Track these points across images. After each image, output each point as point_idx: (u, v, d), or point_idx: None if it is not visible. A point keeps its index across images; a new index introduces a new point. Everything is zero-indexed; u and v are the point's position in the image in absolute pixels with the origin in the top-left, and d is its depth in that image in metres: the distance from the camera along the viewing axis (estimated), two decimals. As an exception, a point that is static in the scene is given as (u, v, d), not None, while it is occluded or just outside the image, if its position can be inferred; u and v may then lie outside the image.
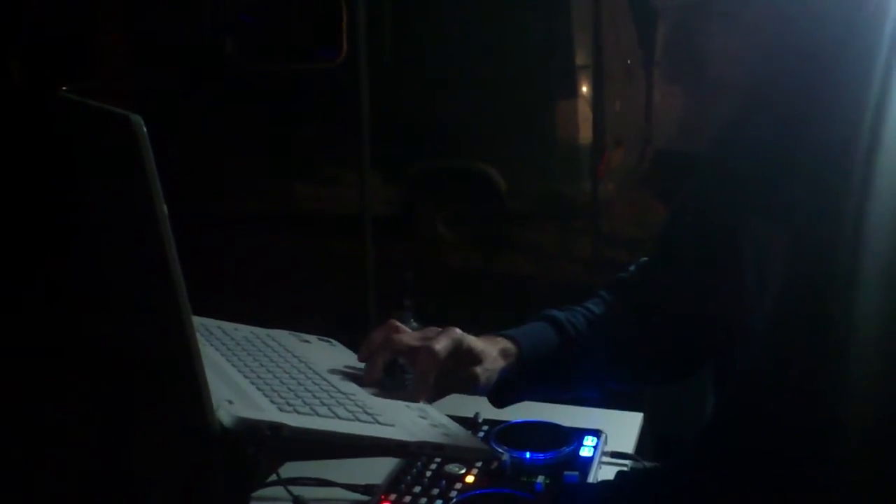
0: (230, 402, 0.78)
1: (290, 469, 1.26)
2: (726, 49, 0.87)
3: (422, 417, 0.97)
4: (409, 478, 1.24)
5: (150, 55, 5.94)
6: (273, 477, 1.23)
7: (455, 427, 0.99)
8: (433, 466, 1.26)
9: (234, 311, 1.27)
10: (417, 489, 1.21)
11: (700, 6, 0.88)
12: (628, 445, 1.39)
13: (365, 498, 1.22)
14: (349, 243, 3.18)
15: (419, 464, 1.26)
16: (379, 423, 0.88)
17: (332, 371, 1.06)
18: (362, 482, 1.24)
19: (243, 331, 1.17)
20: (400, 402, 1.01)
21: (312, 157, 5.88)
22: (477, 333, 1.15)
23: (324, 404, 0.89)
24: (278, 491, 1.21)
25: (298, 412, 0.84)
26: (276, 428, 0.77)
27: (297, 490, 1.22)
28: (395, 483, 1.23)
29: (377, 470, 1.26)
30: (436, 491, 1.21)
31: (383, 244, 2.84)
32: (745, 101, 0.91)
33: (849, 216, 0.75)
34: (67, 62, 5.78)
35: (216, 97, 5.88)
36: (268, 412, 0.81)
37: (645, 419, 1.49)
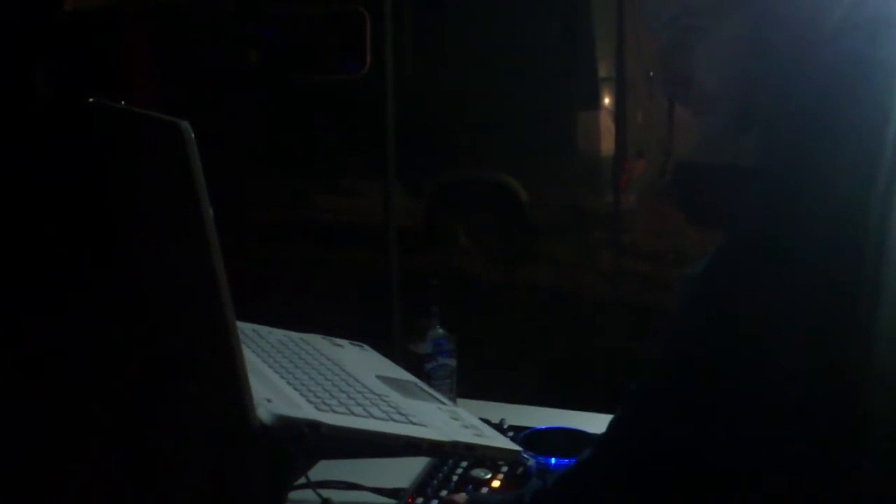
0: (269, 400, 0.81)
1: (318, 472, 1.28)
2: (708, 63, 0.89)
3: (454, 419, 0.99)
4: (435, 482, 1.25)
5: (174, 67, 6.01)
6: (302, 479, 1.25)
7: (486, 428, 1.01)
8: (459, 471, 1.28)
9: (262, 316, 1.30)
10: (444, 493, 1.22)
11: (677, 23, 0.90)
12: (652, 452, 1.39)
13: (392, 501, 1.23)
14: (373, 254, 3.21)
15: (446, 468, 1.28)
16: (413, 423, 0.90)
17: (365, 373, 1.08)
18: (390, 486, 1.26)
19: (277, 334, 1.20)
20: (432, 404, 1.03)
21: (335, 169, 5.91)
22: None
23: (359, 404, 0.91)
24: (307, 493, 1.23)
25: (335, 411, 0.86)
26: (314, 426, 0.79)
27: (325, 493, 1.24)
28: (422, 487, 1.24)
29: (404, 474, 1.28)
30: (462, 494, 1.22)
31: (406, 255, 2.86)
32: (737, 115, 0.93)
33: (872, 231, 0.76)
34: (91, 74, 5.86)
35: (240, 109, 5.94)
36: (306, 411, 0.83)
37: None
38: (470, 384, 1.63)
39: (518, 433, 1.39)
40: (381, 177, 2.85)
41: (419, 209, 5.65)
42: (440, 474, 1.26)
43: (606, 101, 5.28)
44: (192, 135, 0.69)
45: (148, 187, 0.77)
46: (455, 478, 1.26)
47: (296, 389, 0.92)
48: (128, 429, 0.79)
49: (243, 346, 1.09)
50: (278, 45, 6.19)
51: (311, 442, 0.79)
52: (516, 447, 1.10)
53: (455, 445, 0.92)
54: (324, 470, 1.29)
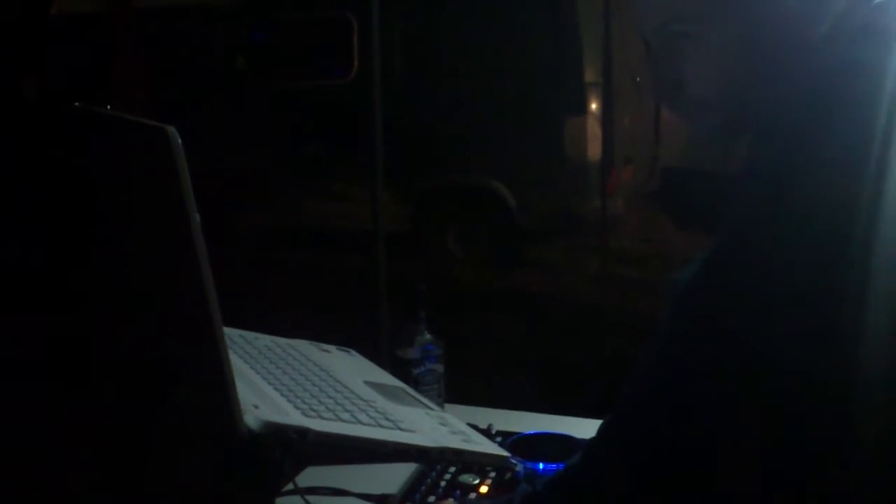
0: (256, 406, 0.80)
1: (306, 478, 1.28)
2: (700, 69, 0.90)
3: (442, 424, 0.99)
4: (423, 487, 1.25)
5: (162, 72, 6.00)
6: (290, 486, 1.25)
7: (474, 434, 1.01)
8: (447, 476, 1.28)
9: (248, 322, 1.29)
10: (432, 498, 1.22)
11: (667, 29, 0.90)
12: (640, 457, 1.40)
13: (380, 507, 1.23)
14: (360, 259, 3.21)
15: (433, 473, 1.28)
16: (400, 428, 0.90)
17: (353, 379, 1.08)
18: (377, 492, 1.26)
19: (264, 340, 1.19)
20: (420, 410, 1.03)
21: (324, 175, 5.91)
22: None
23: (346, 410, 0.91)
24: (295, 500, 1.23)
25: (322, 417, 0.86)
26: (301, 432, 0.79)
27: (313, 499, 1.23)
28: (410, 492, 1.24)
29: (392, 479, 1.27)
30: (450, 500, 1.22)
31: (393, 261, 2.86)
32: (727, 120, 0.93)
33: (856, 252, 0.77)
34: (80, 81, 5.83)
35: (228, 114, 5.93)
36: (293, 417, 0.83)
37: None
38: (457, 389, 1.63)
39: (506, 438, 1.39)
40: (369, 182, 2.85)
41: (406, 215, 5.65)
42: (428, 480, 1.26)
43: (594, 106, 5.30)
44: (179, 140, 0.69)
45: (135, 193, 0.77)
46: (443, 483, 1.26)
47: (283, 395, 0.92)
48: (116, 435, 0.79)
49: (231, 353, 1.09)
50: (267, 51, 6.19)
51: (299, 448, 0.79)
52: (504, 452, 1.10)
53: (443, 451, 0.92)
54: (311, 476, 1.28)
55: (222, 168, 5.56)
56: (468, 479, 1.26)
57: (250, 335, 1.21)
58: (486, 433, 1.40)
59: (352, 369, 1.15)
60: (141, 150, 0.74)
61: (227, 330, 1.20)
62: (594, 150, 5.25)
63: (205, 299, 0.71)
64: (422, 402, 1.13)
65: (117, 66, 5.66)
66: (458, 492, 1.24)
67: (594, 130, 5.27)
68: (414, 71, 5.59)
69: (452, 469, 1.28)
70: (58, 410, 0.79)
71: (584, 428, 1.46)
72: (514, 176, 5.52)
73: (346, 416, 0.89)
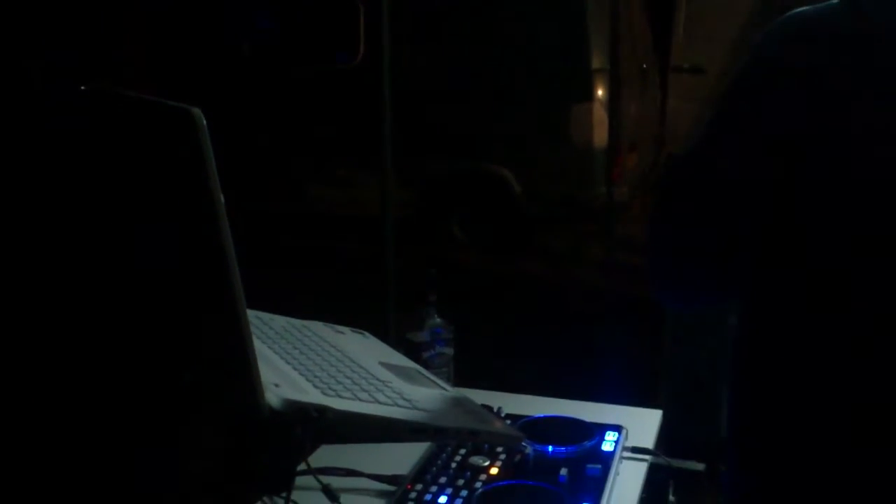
0: (277, 385, 0.82)
1: (319, 459, 1.30)
2: None
3: (457, 405, 1.01)
4: (434, 468, 1.26)
5: (167, 58, 5.98)
6: (303, 466, 1.26)
7: (488, 415, 1.03)
8: (458, 458, 1.29)
9: (259, 305, 1.30)
10: (443, 479, 1.24)
11: None
12: (648, 441, 1.41)
13: (391, 488, 1.25)
14: (367, 245, 3.22)
15: (444, 455, 1.29)
16: (417, 408, 0.92)
17: (368, 360, 1.09)
18: (389, 472, 1.27)
19: (280, 321, 1.21)
20: (435, 391, 1.04)
21: (331, 160, 5.90)
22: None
23: (364, 390, 0.92)
24: (308, 480, 1.24)
25: (341, 396, 0.87)
26: (321, 410, 0.80)
27: (325, 479, 1.25)
28: (421, 473, 1.25)
29: (403, 460, 1.29)
30: (461, 481, 1.24)
31: (399, 247, 2.87)
32: None
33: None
34: (84, 64, 5.82)
35: (233, 100, 5.92)
36: (313, 395, 0.85)
37: (664, 417, 1.52)
38: (465, 373, 1.65)
39: (515, 421, 1.40)
40: (376, 168, 2.86)
41: (411, 201, 5.64)
42: (439, 461, 1.28)
43: (600, 93, 5.28)
44: (204, 122, 0.70)
45: (157, 175, 0.78)
46: (453, 465, 1.28)
47: (302, 375, 0.93)
48: (140, 414, 0.80)
49: (249, 333, 1.11)
50: (272, 35, 6.16)
51: (319, 426, 0.80)
52: (517, 433, 1.11)
53: (459, 431, 0.93)
54: (324, 457, 1.30)
55: (229, 152, 5.55)
56: (478, 461, 1.28)
57: (266, 316, 1.22)
58: (496, 416, 1.41)
59: (366, 350, 1.17)
60: (164, 132, 0.74)
61: (244, 311, 1.22)
62: (600, 136, 5.24)
63: (230, 281, 0.72)
64: (436, 383, 1.14)
65: (121, 50, 5.64)
66: (469, 473, 1.25)
67: (600, 117, 5.26)
68: (419, 57, 5.57)
69: (463, 451, 1.30)
70: (83, 390, 0.80)
71: (590, 411, 1.48)
72: (520, 162, 5.51)
73: (363, 395, 0.91)
